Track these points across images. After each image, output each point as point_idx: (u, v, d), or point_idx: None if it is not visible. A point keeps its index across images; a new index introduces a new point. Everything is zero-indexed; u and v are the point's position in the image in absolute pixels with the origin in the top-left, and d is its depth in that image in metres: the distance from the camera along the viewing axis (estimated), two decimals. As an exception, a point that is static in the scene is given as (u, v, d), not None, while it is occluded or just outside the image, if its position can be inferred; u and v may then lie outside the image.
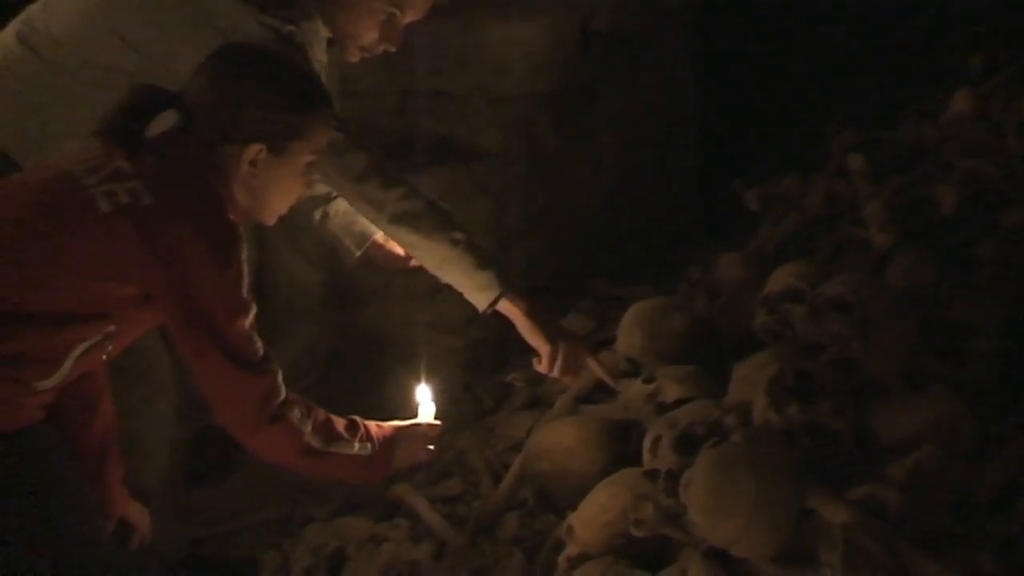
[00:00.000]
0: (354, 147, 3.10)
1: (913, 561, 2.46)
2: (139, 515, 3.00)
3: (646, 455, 2.95)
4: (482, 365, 4.68)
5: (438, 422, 2.96)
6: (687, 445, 2.81)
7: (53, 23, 3.11)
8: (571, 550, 2.98)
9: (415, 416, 2.97)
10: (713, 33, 5.94)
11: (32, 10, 3.18)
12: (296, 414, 2.57)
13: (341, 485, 3.98)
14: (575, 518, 2.99)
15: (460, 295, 3.27)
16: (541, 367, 3.23)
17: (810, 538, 2.55)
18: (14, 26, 3.18)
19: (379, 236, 3.42)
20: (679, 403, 3.12)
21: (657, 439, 2.91)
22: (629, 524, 2.77)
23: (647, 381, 3.31)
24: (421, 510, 3.56)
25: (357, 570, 3.45)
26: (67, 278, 2.38)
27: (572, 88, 5.06)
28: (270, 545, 3.81)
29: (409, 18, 3.22)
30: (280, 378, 2.56)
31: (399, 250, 3.41)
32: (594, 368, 3.32)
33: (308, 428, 2.59)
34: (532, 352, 3.26)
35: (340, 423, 2.69)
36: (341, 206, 3.39)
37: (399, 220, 3.15)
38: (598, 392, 3.62)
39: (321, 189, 3.36)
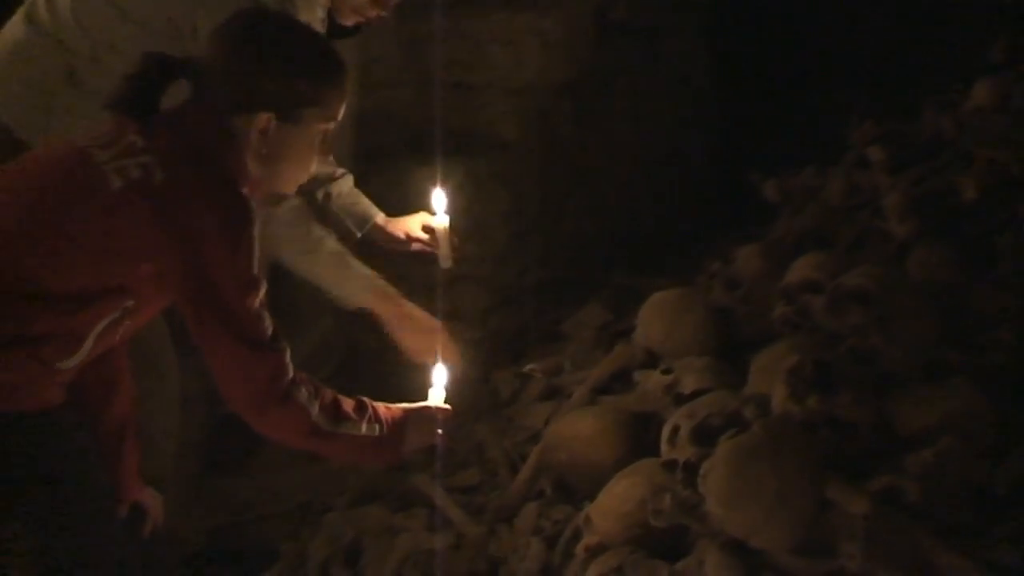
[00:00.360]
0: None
1: (933, 553, 2.45)
2: (152, 501, 2.99)
3: (664, 446, 2.94)
4: (499, 356, 4.68)
5: (448, 406, 2.89)
6: (705, 436, 2.81)
7: None
8: (589, 540, 2.98)
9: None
10: (731, 24, 5.93)
11: None
12: (304, 394, 2.53)
13: (358, 475, 4.00)
14: (593, 508, 2.99)
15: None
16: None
17: (829, 529, 2.55)
18: (24, 7, 3.20)
19: (380, 218, 3.38)
20: (697, 394, 3.12)
21: (675, 430, 2.90)
22: (647, 514, 2.76)
23: (665, 372, 3.31)
24: (439, 500, 3.57)
25: (374, 560, 3.45)
26: (82, 256, 2.37)
27: (589, 79, 5.07)
28: (288, 535, 3.82)
29: None
30: (288, 357, 2.53)
31: (400, 233, 3.37)
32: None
33: (316, 408, 2.55)
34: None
35: (348, 404, 2.64)
36: (344, 187, 3.36)
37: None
38: (616, 383, 3.62)
39: (324, 169, 3.34)
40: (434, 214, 3.36)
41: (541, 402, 4.03)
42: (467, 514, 3.49)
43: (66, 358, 2.44)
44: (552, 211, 4.97)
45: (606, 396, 3.60)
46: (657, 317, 3.56)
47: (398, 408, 2.76)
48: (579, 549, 3.01)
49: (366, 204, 3.39)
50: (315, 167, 2.68)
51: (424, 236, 3.33)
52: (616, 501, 2.94)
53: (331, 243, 3.21)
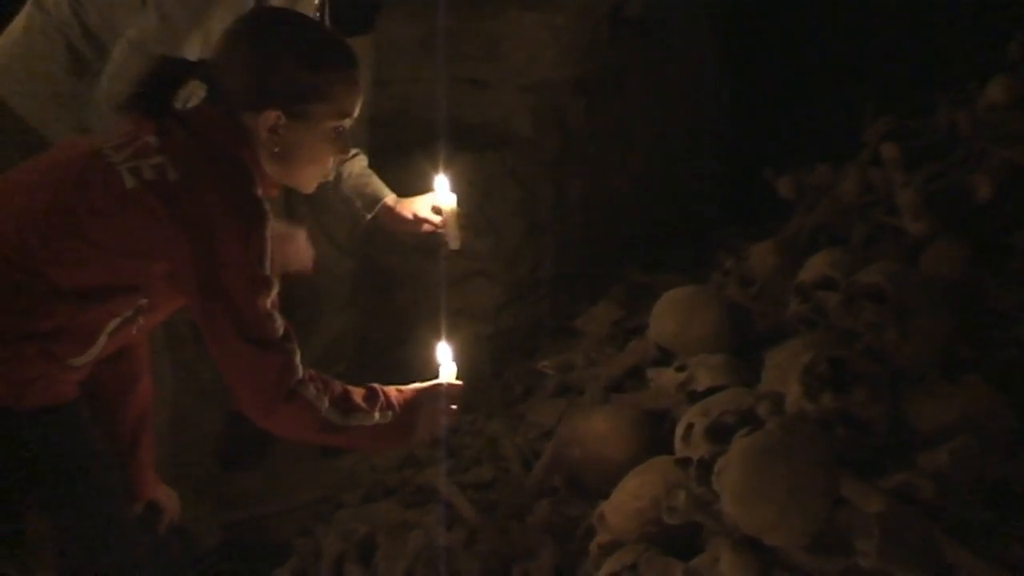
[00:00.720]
0: None
1: (948, 550, 2.45)
2: (168, 498, 3.00)
3: (678, 443, 2.94)
4: (512, 352, 4.69)
5: (459, 382, 2.87)
6: (720, 433, 2.80)
7: None
8: (603, 537, 2.98)
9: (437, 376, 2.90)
10: (744, 20, 5.92)
11: None
12: (311, 391, 2.53)
13: (372, 470, 4.01)
14: (607, 505, 2.99)
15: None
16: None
17: (844, 527, 2.55)
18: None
19: (390, 199, 3.34)
20: (711, 391, 3.11)
21: (689, 427, 2.90)
22: (661, 512, 2.76)
23: (679, 369, 3.30)
24: (452, 496, 3.57)
25: (388, 556, 3.45)
26: (96, 255, 2.39)
27: (603, 75, 5.07)
28: (301, 531, 3.82)
29: None
30: (297, 357, 2.53)
31: (408, 214, 3.35)
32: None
33: (325, 404, 2.55)
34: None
35: (359, 394, 2.64)
36: (355, 167, 3.33)
37: None
38: (629, 380, 3.62)
39: None
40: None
41: (554, 399, 4.03)
42: (480, 511, 3.49)
43: (78, 355, 2.46)
44: (565, 207, 4.97)
45: (619, 393, 3.60)
46: (671, 314, 3.55)
47: (410, 389, 2.76)
48: (592, 546, 3.02)
49: (377, 184, 3.36)
50: (332, 165, 2.68)
51: (433, 217, 3.31)
52: (630, 498, 2.94)
53: None
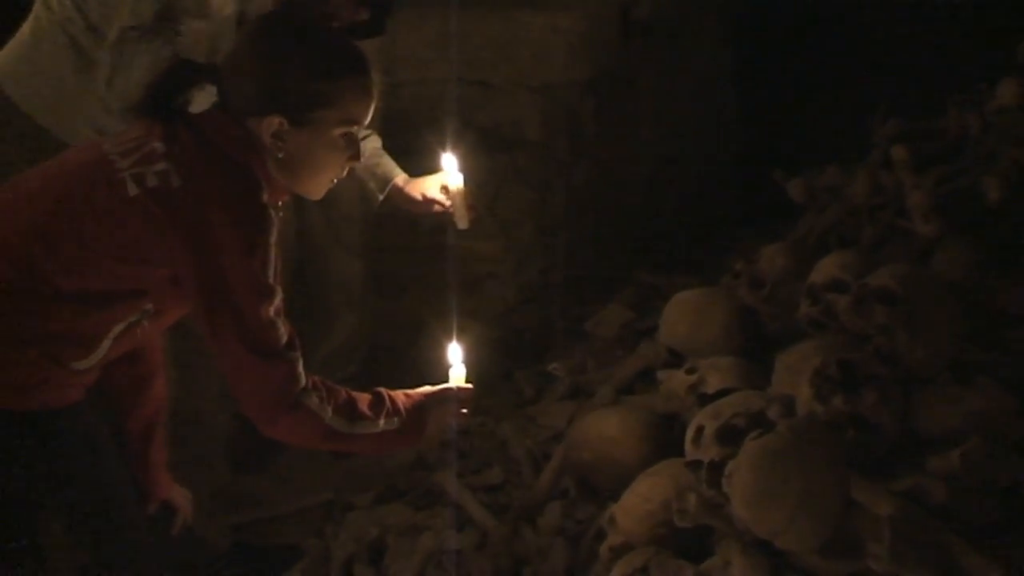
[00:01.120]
0: None
1: (959, 553, 2.45)
2: (182, 499, 3.00)
3: (689, 446, 2.94)
4: (522, 354, 4.69)
5: (470, 385, 2.85)
6: (730, 436, 2.80)
7: None
8: (613, 540, 2.98)
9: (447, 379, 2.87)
10: (755, 21, 5.91)
11: None
12: (315, 400, 2.50)
13: (382, 472, 4.01)
14: (617, 508, 2.99)
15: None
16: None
17: (855, 530, 2.55)
18: None
19: (399, 179, 3.34)
20: (721, 394, 3.11)
21: (700, 430, 2.89)
22: (672, 514, 2.76)
23: (689, 372, 3.30)
24: (463, 499, 3.57)
25: (398, 559, 3.45)
26: (99, 260, 2.39)
27: (613, 77, 5.06)
28: (312, 533, 3.83)
29: None
30: (300, 366, 2.50)
31: (417, 194, 3.32)
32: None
33: (329, 412, 2.52)
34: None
35: (364, 401, 2.61)
36: (367, 148, 3.28)
37: None
38: (640, 382, 3.62)
39: None
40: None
41: (564, 401, 4.04)
42: (490, 513, 3.50)
43: (81, 359, 2.46)
44: (575, 209, 4.97)
45: (630, 395, 3.60)
46: (681, 316, 3.55)
47: (418, 393, 2.74)
48: (603, 549, 3.02)
49: (388, 165, 3.35)
50: (344, 172, 2.65)
51: (441, 197, 3.30)
52: (640, 501, 2.94)
53: None
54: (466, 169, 3.30)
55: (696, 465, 2.84)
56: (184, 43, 3.01)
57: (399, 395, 2.70)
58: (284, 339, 2.48)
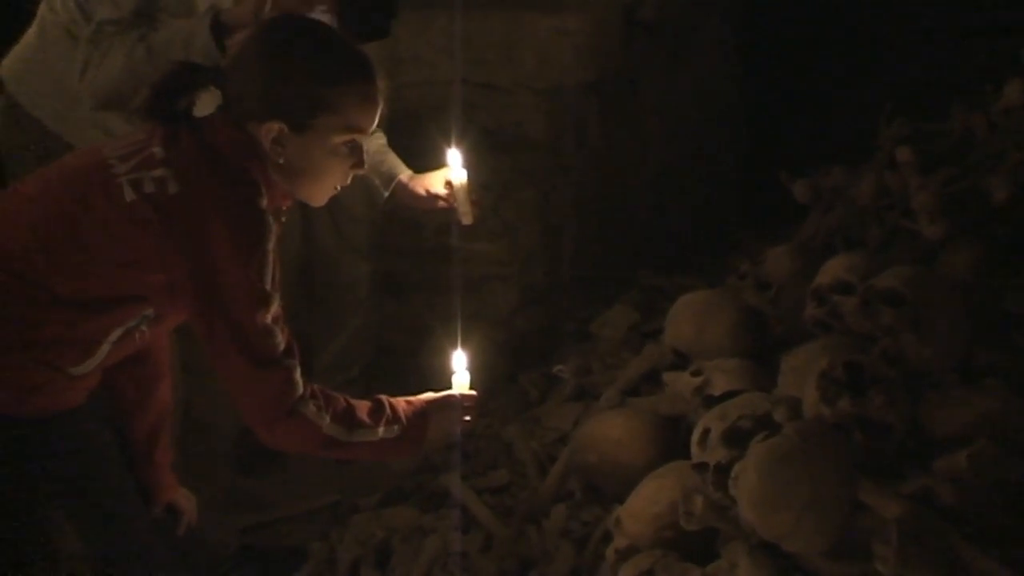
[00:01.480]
0: None
1: (967, 556, 2.44)
2: (186, 501, 3.00)
3: (695, 448, 2.93)
4: (527, 356, 4.69)
5: (473, 392, 2.83)
6: (736, 438, 2.79)
7: None
8: (619, 542, 2.98)
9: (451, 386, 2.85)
10: (759, 22, 5.91)
11: None
12: (312, 408, 2.49)
13: (388, 475, 4.01)
14: (623, 510, 2.99)
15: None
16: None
17: (862, 532, 2.54)
18: None
19: (404, 176, 3.34)
20: (727, 396, 3.10)
21: (706, 432, 2.89)
22: (678, 517, 2.75)
23: (695, 374, 3.29)
24: (468, 501, 3.57)
25: (404, 561, 3.45)
26: (97, 266, 2.39)
27: (617, 78, 5.06)
28: (317, 535, 3.83)
29: None
30: (298, 373, 2.49)
31: (421, 190, 3.32)
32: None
33: (326, 420, 2.51)
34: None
35: (364, 409, 2.60)
36: (373, 145, 3.28)
37: None
38: (645, 384, 3.62)
39: None
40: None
41: (570, 403, 4.03)
42: (496, 515, 3.49)
43: (78, 364, 2.46)
44: (580, 211, 4.97)
45: (635, 397, 3.59)
46: (687, 318, 3.54)
47: (420, 400, 2.73)
48: (609, 551, 3.01)
49: (393, 161, 3.36)
50: (348, 180, 2.63)
51: (444, 192, 3.29)
52: (646, 503, 2.93)
53: None
54: (471, 170, 3.29)
55: (702, 467, 2.83)
56: (158, 40, 2.99)
57: (400, 402, 2.68)
58: (281, 347, 2.46)
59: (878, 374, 2.75)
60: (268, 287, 2.42)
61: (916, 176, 3.81)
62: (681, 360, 3.53)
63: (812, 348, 3.09)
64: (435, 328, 4.49)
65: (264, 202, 2.45)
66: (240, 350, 2.42)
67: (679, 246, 5.32)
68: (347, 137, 2.53)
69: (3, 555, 2.49)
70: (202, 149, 2.44)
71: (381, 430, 2.60)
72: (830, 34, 5.89)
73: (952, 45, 5.48)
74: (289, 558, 3.76)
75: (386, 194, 3.34)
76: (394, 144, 3.41)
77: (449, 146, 3.28)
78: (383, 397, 2.67)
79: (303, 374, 2.52)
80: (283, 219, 2.58)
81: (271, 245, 2.43)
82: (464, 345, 2.91)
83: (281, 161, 2.48)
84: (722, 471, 2.75)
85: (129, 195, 2.37)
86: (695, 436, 2.94)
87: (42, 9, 3.24)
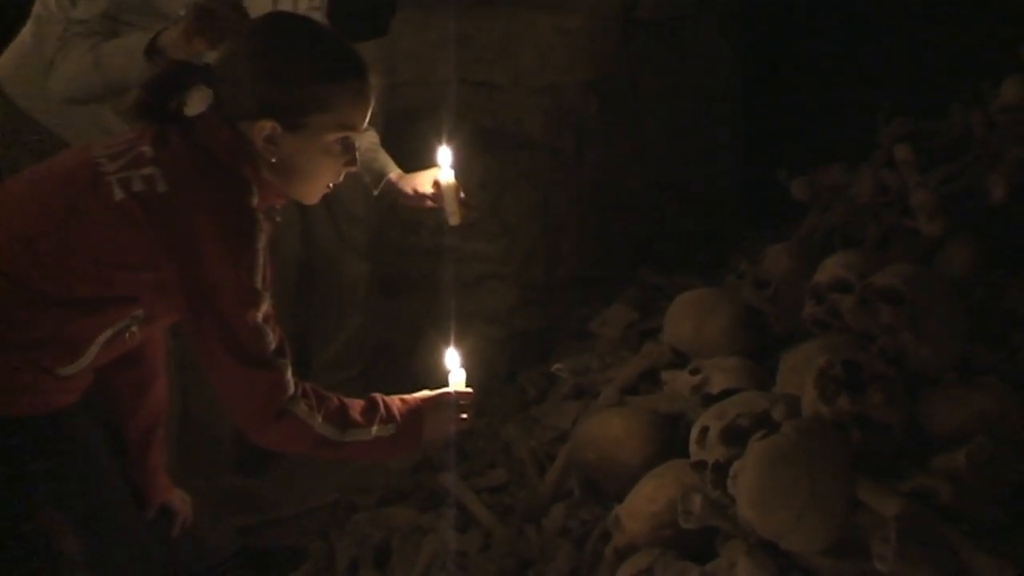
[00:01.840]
0: None
1: (966, 553, 2.44)
2: (181, 503, 3.00)
3: (693, 446, 2.93)
4: (526, 355, 4.68)
5: (469, 389, 2.82)
6: (735, 436, 2.80)
7: None
8: (618, 541, 2.98)
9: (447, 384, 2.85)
10: (757, 20, 5.91)
11: None
12: (303, 408, 2.48)
13: (386, 474, 4.00)
14: (622, 509, 2.99)
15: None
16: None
17: (861, 531, 2.54)
18: None
19: (394, 174, 3.33)
20: (726, 394, 3.10)
21: (704, 430, 2.89)
22: (677, 515, 2.75)
23: (694, 372, 3.29)
24: (467, 500, 3.56)
25: (402, 560, 3.45)
26: (82, 265, 2.38)
27: (616, 76, 5.06)
28: (316, 535, 3.82)
29: None
30: (289, 373, 2.48)
31: (409, 189, 3.30)
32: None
33: (318, 420, 2.50)
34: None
35: (357, 408, 2.58)
36: (364, 142, 3.22)
37: None
38: (644, 383, 3.61)
39: None
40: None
41: (568, 402, 4.02)
42: (495, 514, 3.49)
43: (66, 364, 2.45)
44: (579, 209, 4.97)
45: (634, 396, 3.59)
46: (685, 316, 3.55)
47: (415, 399, 2.71)
48: (608, 550, 3.01)
49: (383, 160, 3.35)
50: (340, 178, 2.62)
51: (432, 192, 3.28)
52: (645, 502, 2.93)
53: None
54: (463, 169, 3.29)
55: (701, 466, 2.83)
56: (106, 50, 2.99)
57: (395, 400, 2.67)
58: (272, 346, 2.45)
59: (877, 372, 2.75)
60: (259, 286, 2.41)
61: (915, 174, 3.81)
62: (680, 359, 3.53)
63: (810, 346, 3.09)
64: (433, 327, 4.50)
65: (255, 201, 2.44)
66: (230, 349, 2.41)
67: (678, 245, 5.32)
68: (340, 135, 2.52)
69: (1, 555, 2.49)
70: (192, 148, 2.43)
71: (375, 429, 2.59)
72: (829, 32, 5.89)
73: (951, 43, 5.47)
74: (288, 558, 3.76)
75: (376, 192, 3.33)
76: (391, 143, 3.41)
77: (440, 145, 3.27)
78: (377, 396, 2.66)
79: (295, 373, 2.50)
80: (277, 219, 2.57)
81: (261, 244, 2.42)
82: (461, 344, 2.90)
83: (274, 160, 2.48)
84: (721, 470, 2.75)
85: (118, 194, 2.36)
86: (694, 434, 2.94)
87: (37, 7, 3.24)
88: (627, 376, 3.65)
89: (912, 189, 3.73)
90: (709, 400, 3.13)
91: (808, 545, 2.55)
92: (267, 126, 2.44)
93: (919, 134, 4.11)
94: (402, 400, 2.69)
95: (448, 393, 2.78)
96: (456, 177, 3.22)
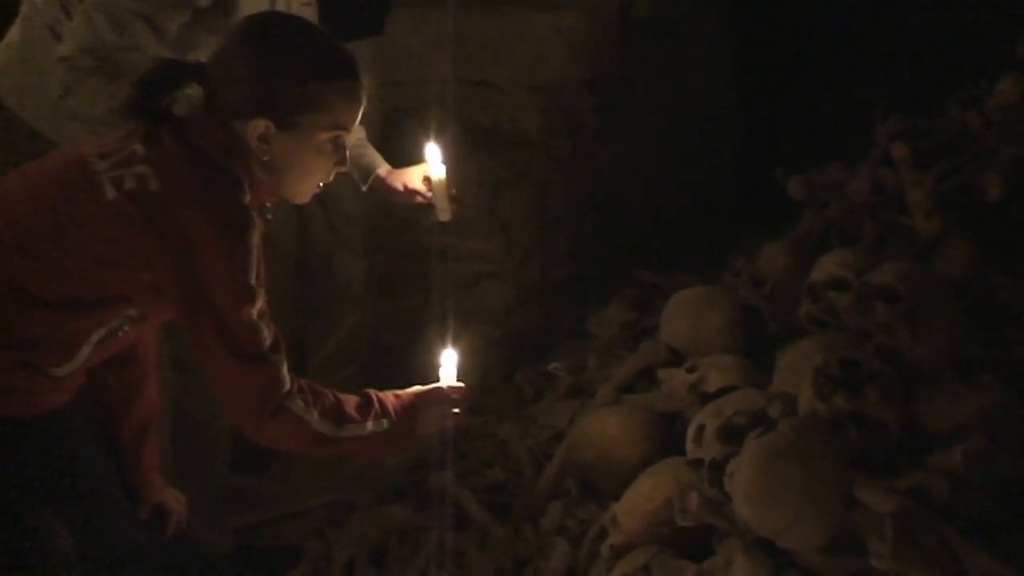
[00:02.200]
0: None
1: (962, 551, 2.44)
2: (176, 502, 2.99)
3: (690, 444, 2.94)
4: (523, 354, 4.68)
5: (461, 384, 2.80)
6: (731, 434, 2.80)
7: None
8: (615, 539, 2.98)
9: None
10: (754, 19, 5.91)
11: None
12: (299, 404, 2.47)
13: (383, 473, 4.00)
14: (619, 507, 2.99)
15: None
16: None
17: (857, 528, 2.54)
18: None
19: (383, 170, 3.33)
20: (723, 392, 3.11)
21: (701, 428, 2.89)
22: (673, 514, 2.75)
23: (690, 370, 3.29)
24: (464, 499, 3.56)
25: (400, 559, 3.45)
26: (74, 264, 2.37)
27: (612, 76, 5.07)
28: (313, 534, 3.82)
29: None
30: (284, 369, 2.47)
31: (398, 185, 3.30)
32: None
33: (315, 416, 2.49)
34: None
35: (352, 404, 2.57)
36: (352, 138, 3.28)
37: None
38: (641, 381, 3.62)
39: None
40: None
41: (565, 401, 4.02)
42: (492, 513, 3.49)
43: (59, 364, 2.44)
44: (575, 209, 4.97)
45: (631, 394, 3.59)
46: (682, 315, 3.55)
47: (408, 393, 2.70)
48: (605, 548, 3.01)
49: (372, 156, 3.34)
50: (331, 176, 2.62)
51: (422, 188, 3.28)
52: (642, 500, 2.94)
53: None
54: (466, 168, 3.30)
55: (697, 464, 2.84)
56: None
57: (388, 396, 2.67)
58: (267, 342, 2.44)
59: (873, 370, 2.75)
60: (253, 282, 2.41)
61: (911, 172, 3.81)
62: (676, 357, 3.53)
63: (807, 344, 3.09)
64: (430, 326, 4.50)
65: (247, 198, 2.43)
66: (225, 346, 2.40)
67: (675, 244, 5.32)
68: (332, 134, 2.52)
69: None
70: (184, 146, 2.42)
71: (370, 424, 2.59)
72: (826, 31, 5.89)
73: (947, 41, 5.48)
74: (285, 557, 3.76)
75: (364, 188, 3.33)
76: (387, 141, 3.41)
77: (429, 141, 3.27)
78: (371, 391, 2.65)
79: (290, 369, 2.50)
80: (268, 216, 2.57)
81: (255, 241, 2.41)
82: (454, 341, 2.90)
83: (266, 158, 2.47)
84: (717, 467, 2.75)
85: (110, 192, 2.35)
86: (690, 432, 2.94)
87: (25, 7, 3.23)
88: (624, 375, 3.65)
89: (908, 187, 3.73)
90: (706, 398, 3.14)
91: (805, 543, 2.55)
92: (261, 125, 2.43)
93: (915, 132, 4.11)
94: (395, 395, 2.68)
95: (440, 388, 2.77)
96: (446, 173, 3.22)
